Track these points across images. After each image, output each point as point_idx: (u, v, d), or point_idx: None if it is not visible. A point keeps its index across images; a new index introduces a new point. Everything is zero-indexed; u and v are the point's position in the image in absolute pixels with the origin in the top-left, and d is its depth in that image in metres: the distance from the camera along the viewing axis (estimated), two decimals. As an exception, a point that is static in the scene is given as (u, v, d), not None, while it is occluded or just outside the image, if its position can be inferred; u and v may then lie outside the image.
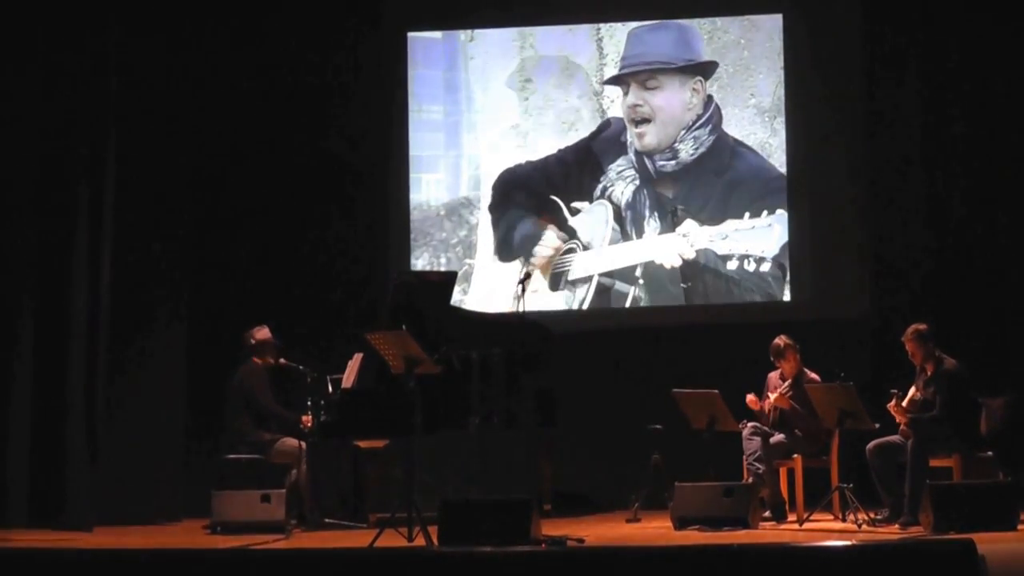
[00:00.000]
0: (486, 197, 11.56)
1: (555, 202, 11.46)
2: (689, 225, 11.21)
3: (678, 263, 11.24)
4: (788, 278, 11.12)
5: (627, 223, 11.34)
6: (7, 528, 9.32)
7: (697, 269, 11.20)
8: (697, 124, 11.31)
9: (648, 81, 11.42)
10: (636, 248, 11.31)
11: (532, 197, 11.51)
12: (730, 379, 9.80)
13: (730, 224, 11.16)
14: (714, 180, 11.27)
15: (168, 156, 10.43)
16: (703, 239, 11.18)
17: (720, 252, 11.16)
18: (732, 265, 11.16)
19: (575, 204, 11.44)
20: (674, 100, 11.37)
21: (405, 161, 11.59)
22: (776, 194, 11.19)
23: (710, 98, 11.32)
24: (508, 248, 11.50)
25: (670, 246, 11.24)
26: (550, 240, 11.42)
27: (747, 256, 11.13)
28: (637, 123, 11.40)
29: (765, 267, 11.12)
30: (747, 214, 11.16)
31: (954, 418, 8.66)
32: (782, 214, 11.15)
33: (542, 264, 11.39)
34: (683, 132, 11.31)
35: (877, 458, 8.75)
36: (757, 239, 11.12)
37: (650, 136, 11.39)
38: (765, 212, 11.15)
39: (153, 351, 10.25)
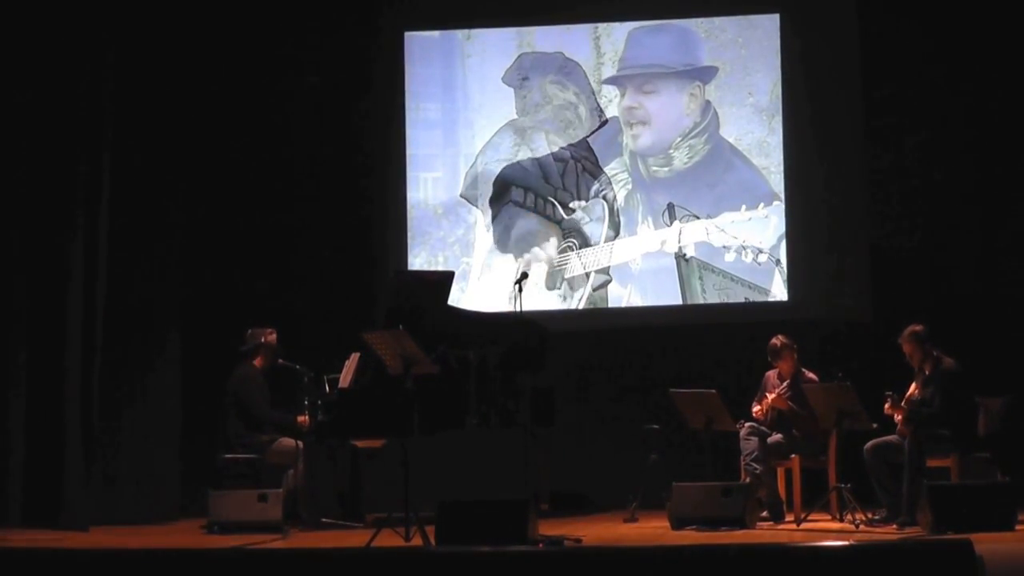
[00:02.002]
0: (484, 195, 11.56)
1: (551, 202, 11.46)
2: (685, 222, 11.22)
3: (675, 261, 11.24)
4: (786, 277, 11.13)
5: (621, 226, 11.35)
6: (4, 528, 9.32)
7: (694, 266, 11.20)
8: (693, 132, 11.31)
9: (645, 85, 11.41)
10: (632, 246, 11.31)
11: (529, 195, 11.51)
12: (728, 379, 9.82)
13: (727, 216, 11.17)
14: (707, 191, 11.26)
15: (165, 155, 10.43)
16: (700, 233, 11.18)
17: (717, 244, 11.15)
18: (730, 257, 11.15)
19: (571, 204, 11.44)
20: (670, 105, 11.37)
21: (402, 159, 11.59)
22: (770, 200, 11.19)
23: (708, 104, 11.31)
24: (506, 243, 11.50)
25: (666, 244, 11.24)
26: (551, 238, 11.42)
27: (745, 247, 11.13)
28: (632, 125, 11.40)
29: (763, 258, 11.12)
30: (744, 206, 11.17)
31: (952, 418, 8.66)
32: (779, 206, 11.15)
33: (544, 260, 11.38)
34: (679, 139, 11.30)
35: (875, 458, 8.75)
36: (754, 230, 11.13)
37: (645, 139, 11.40)
38: (762, 204, 11.16)
39: (150, 351, 10.25)
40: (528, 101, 11.60)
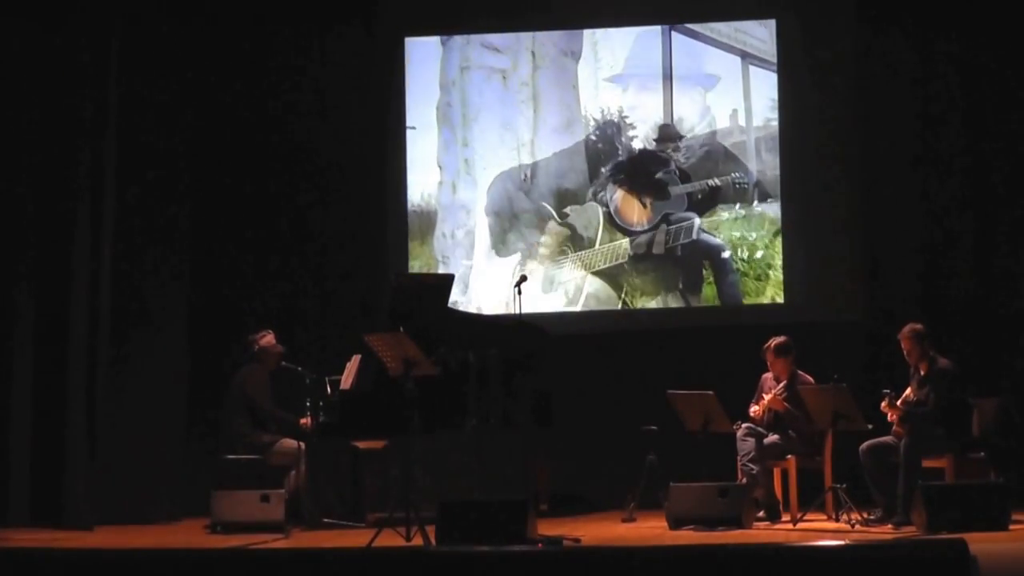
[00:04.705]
0: (483, 199, 11.62)
1: (545, 207, 11.53)
2: (682, 222, 11.29)
3: (671, 262, 11.30)
4: (782, 279, 11.19)
5: (618, 228, 11.41)
6: (8, 527, 9.38)
7: (690, 267, 11.27)
8: (691, 134, 11.38)
9: (649, 83, 11.48)
10: (629, 247, 11.37)
11: (526, 199, 11.57)
12: (724, 380, 9.85)
13: (723, 215, 11.24)
14: (704, 191, 11.32)
15: (168, 156, 10.49)
16: (694, 231, 11.25)
17: (712, 243, 11.22)
18: (725, 255, 11.23)
19: (566, 209, 11.51)
20: (671, 107, 11.41)
21: (403, 163, 11.64)
22: (765, 202, 11.26)
23: (707, 108, 11.38)
24: (504, 246, 11.55)
25: (663, 245, 11.30)
26: (549, 241, 11.48)
27: (741, 246, 11.19)
28: (633, 125, 11.46)
29: (758, 255, 11.18)
30: (738, 205, 11.24)
31: (947, 418, 8.72)
32: (775, 208, 11.22)
33: (541, 262, 11.44)
34: (677, 141, 11.37)
35: (870, 458, 8.80)
36: (750, 229, 11.19)
37: (641, 139, 11.45)
38: (758, 204, 11.24)
39: (153, 351, 10.30)
40: (526, 107, 11.66)
